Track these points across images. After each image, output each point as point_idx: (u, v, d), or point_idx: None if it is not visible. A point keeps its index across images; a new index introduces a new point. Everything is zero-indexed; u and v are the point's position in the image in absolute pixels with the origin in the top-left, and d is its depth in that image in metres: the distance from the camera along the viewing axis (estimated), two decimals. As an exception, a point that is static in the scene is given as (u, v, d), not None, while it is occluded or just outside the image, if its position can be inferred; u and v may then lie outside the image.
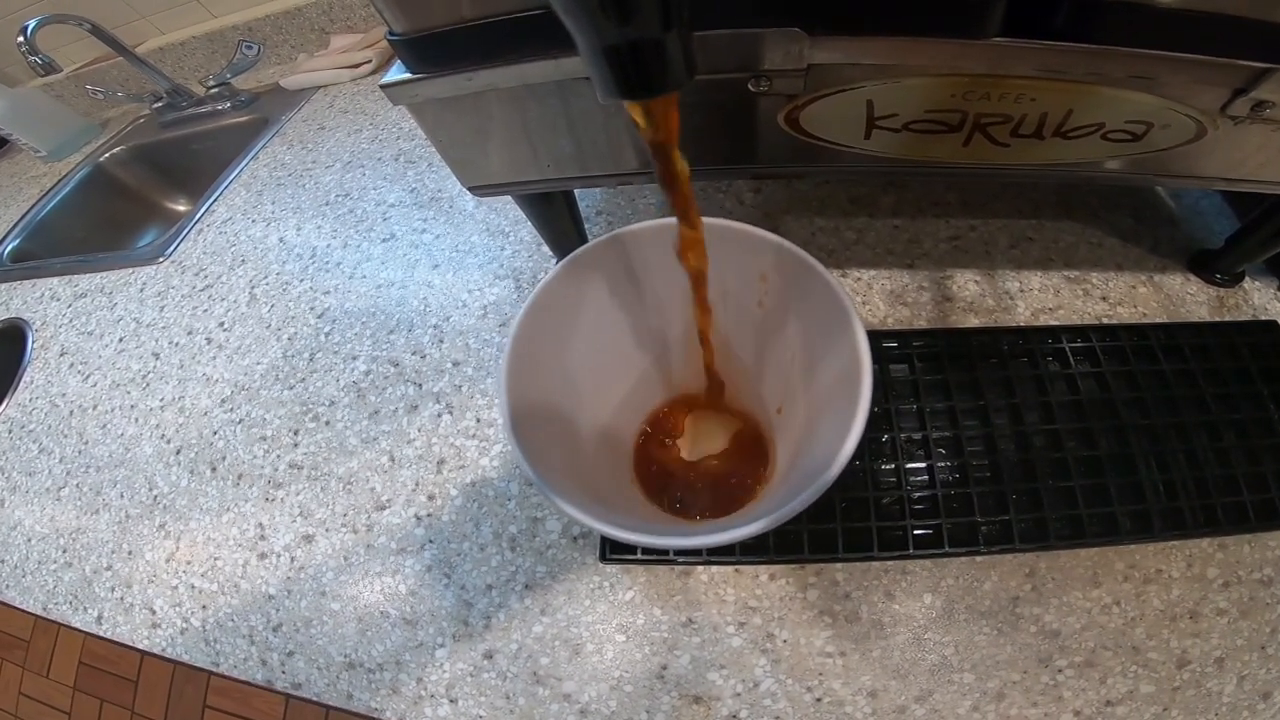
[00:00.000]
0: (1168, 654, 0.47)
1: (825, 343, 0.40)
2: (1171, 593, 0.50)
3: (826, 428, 0.38)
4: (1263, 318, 0.63)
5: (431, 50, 0.43)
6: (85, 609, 0.64)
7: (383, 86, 0.47)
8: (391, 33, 0.43)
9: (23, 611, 0.67)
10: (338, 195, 0.99)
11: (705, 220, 0.41)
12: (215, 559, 0.63)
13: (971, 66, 0.39)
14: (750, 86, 0.42)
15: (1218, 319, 0.63)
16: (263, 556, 0.62)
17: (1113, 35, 0.37)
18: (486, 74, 0.44)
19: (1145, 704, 0.46)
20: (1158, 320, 0.63)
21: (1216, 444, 0.54)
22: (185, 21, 1.43)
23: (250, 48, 1.36)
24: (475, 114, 0.49)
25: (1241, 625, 0.48)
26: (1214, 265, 0.65)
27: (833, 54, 0.40)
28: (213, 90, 1.36)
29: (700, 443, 0.55)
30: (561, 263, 0.43)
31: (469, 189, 0.58)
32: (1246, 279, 0.65)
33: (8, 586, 0.68)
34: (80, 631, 0.64)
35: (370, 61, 1.28)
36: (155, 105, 1.39)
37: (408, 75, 0.45)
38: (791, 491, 0.34)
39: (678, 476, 0.53)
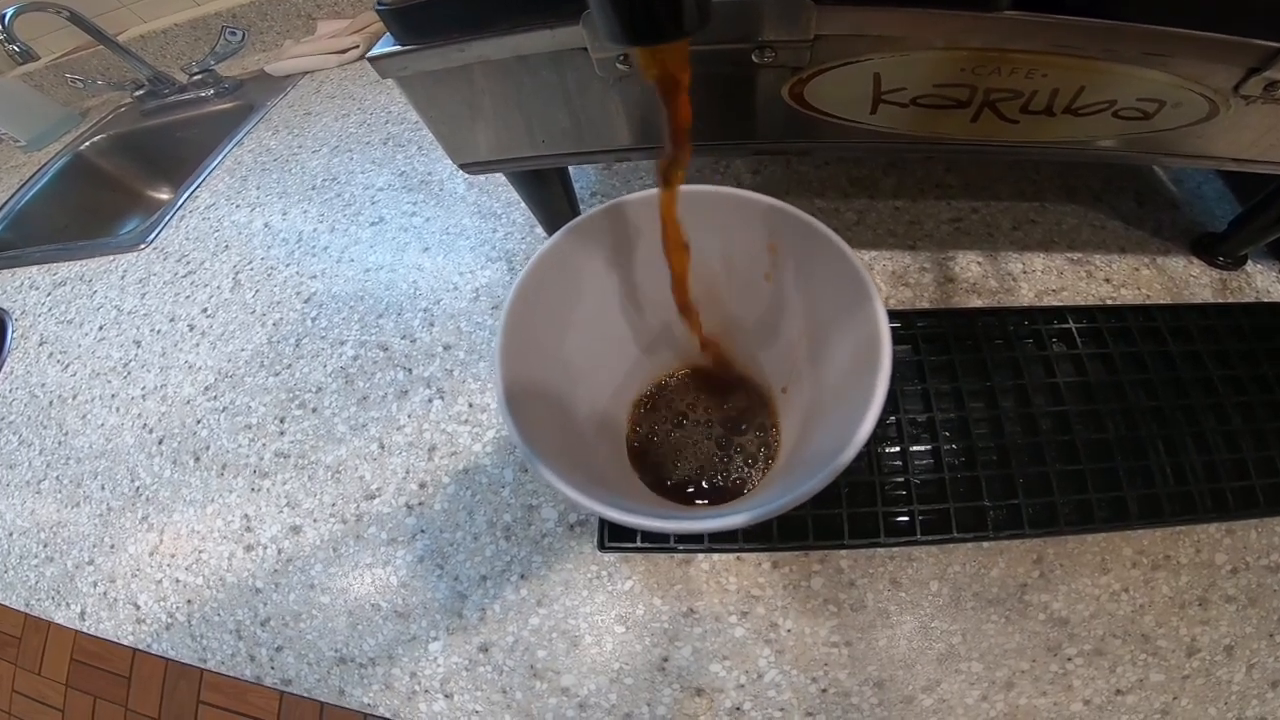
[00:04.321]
0: (1177, 642, 0.47)
1: (838, 318, 0.39)
2: (1180, 579, 0.49)
3: (838, 409, 0.37)
4: (1266, 300, 0.62)
5: (422, 20, 0.42)
6: (68, 605, 0.62)
7: (370, 59, 0.46)
8: (380, 3, 0.42)
9: (14, 609, 0.65)
10: (324, 180, 0.97)
11: (709, 188, 0.40)
12: (200, 552, 0.61)
13: (982, 40, 0.39)
14: (754, 58, 0.41)
15: (1221, 301, 0.62)
16: (249, 549, 0.60)
17: (1127, 11, 0.36)
18: (479, 45, 0.43)
19: (1155, 693, 0.45)
20: (1162, 302, 0.62)
21: (1225, 427, 0.54)
22: (168, 9, 1.41)
23: (234, 34, 1.35)
24: (467, 87, 0.47)
25: (1250, 613, 0.48)
26: (1217, 248, 0.65)
27: (841, 25, 0.39)
28: (196, 77, 1.34)
29: (702, 424, 0.54)
30: (560, 230, 0.42)
31: (460, 167, 0.57)
32: (1249, 262, 0.65)
33: (-11, 583, 0.67)
34: (68, 628, 0.62)
35: (358, 46, 1.27)
36: (137, 93, 1.38)
37: (397, 47, 0.44)
38: (799, 476, 0.33)
39: (677, 460, 0.52)
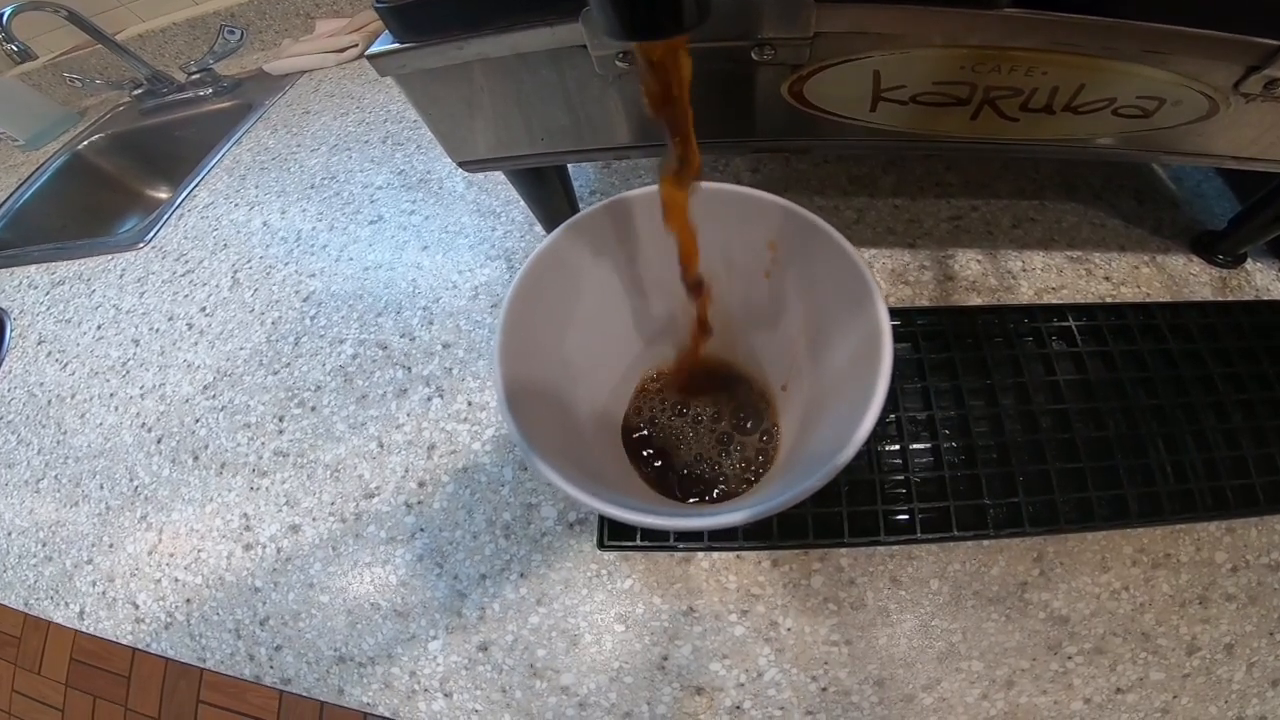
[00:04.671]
0: (1177, 640, 0.47)
1: (839, 316, 0.39)
2: (1180, 578, 0.49)
3: (838, 407, 0.37)
4: (1265, 298, 0.62)
5: (421, 18, 0.42)
6: (67, 604, 0.62)
7: (369, 57, 0.46)
8: (379, 1, 0.42)
9: (13, 609, 0.65)
10: (323, 178, 0.97)
11: (710, 185, 0.40)
12: (199, 551, 0.61)
13: (982, 38, 0.39)
14: (753, 55, 0.41)
15: (1220, 299, 0.62)
16: (248, 548, 0.60)
17: (1127, 8, 0.36)
18: (478, 43, 0.43)
19: (1155, 691, 0.45)
20: (1162, 300, 0.62)
21: (1225, 425, 0.54)
22: (166, 8, 1.41)
23: (233, 33, 1.34)
24: (465, 85, 0.47)
25: (1250, 611, 0.48)
26: (1217, 247, 0.65)
27: (840, 22, 0.39)
28: (194, 76, 1.34)
29: (702, 421, 0.54)
30: (559, 228, 0.42)
31: (459, 165, 0.57)
32: (1249, 260, 0.65)
33: (-12, 582, 0.67)
34: (68, 628, 0.62)
35: (357, 45, 1.26)
36: (135, 92, 1.37)
37: (395, 45, 0.44)
38: (798, 474, 0.33)
39: (677, 457, 0.52)
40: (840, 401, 0.37)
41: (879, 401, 0.31)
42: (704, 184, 0.40)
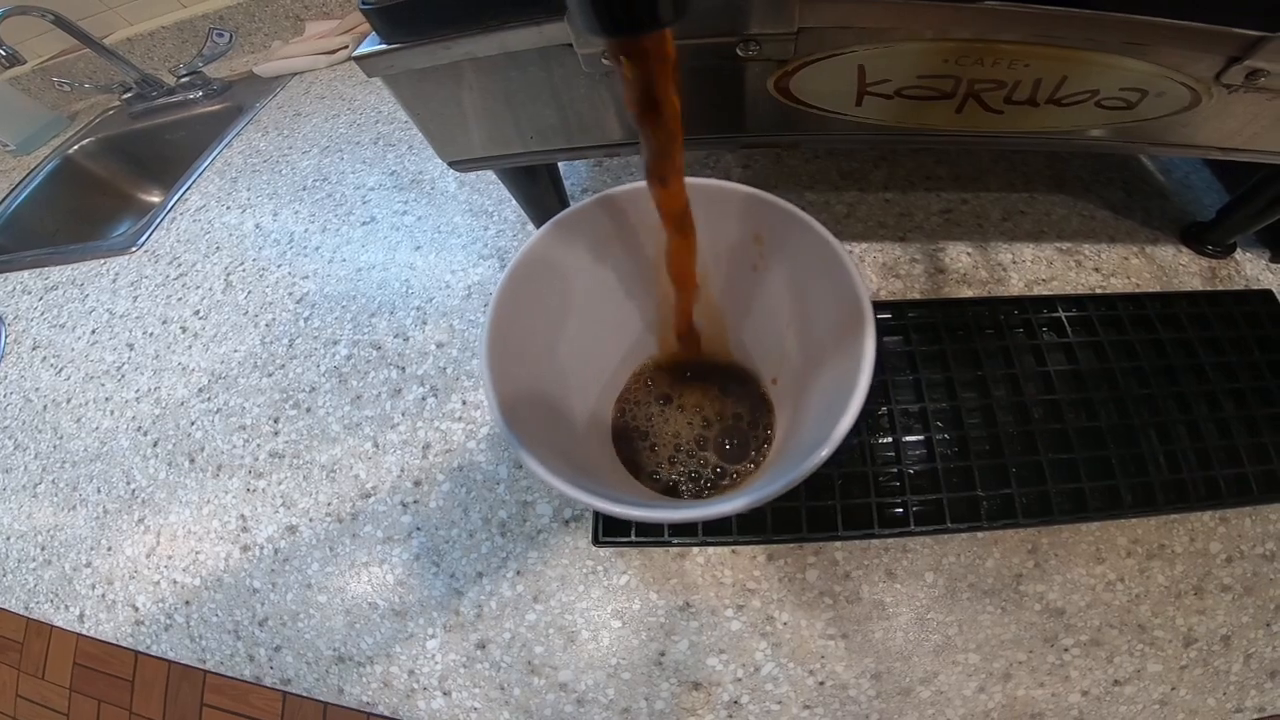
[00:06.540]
0: (1174, 632, 0.47)
1: (824, 308, 0.39)
2: (1175, 568, 0.49)
3: (824, 401, 0.37)
4: (1255, 288, 0.62)
5: (407, 18, 0.42)
6: (66, 607, 0.62)
7: (356, 58, 0.45)
8: (365, 1, 0.41)
9: (15, 613, 0.65)
10: (315, 180, 0.97)
11: (693, 180, 0.40)
12: (197, 553, 0.61)
13: (964, 31, 0.39)
14: (739, 51, 0.41)
15: (1210, 289, 0.62)
16: (245, 549, 0.60)
17: (1108, 0, 0.36)
18: (465, 42, 0.43)
19: (1153, 683, 0.46)
20: (1152, 290, 0.62)
21: (1217, 414, 0.54)
22: (154, 11, 1.39)
23: (221, 35, 1.34)
24: (454, 84, 0.47)
25: (1246, 602, 0.48)
26: (1206, 237, 0.65)
27: (825, 17, 0.39)
28: (184, 79, 1.33)
29: (695, 415, 0.54)
30: (545, 225, 0.41)
31: (449, 164, 0.57)
32: (1238, 250, 0.65)
33: (-12, 587, 0.67)
34: (69, 631, 0.62)
35: (347, 47, 1.25)
36: (125, 96, 1.36)
37: (383, 46, 0.44)
38: (786, 467, 0.33)
39: (670, 452, 0.52)
40: (827, 395, 0.37)
41: (860, 396, 0.31)
42: (690, 180, 0.40)
